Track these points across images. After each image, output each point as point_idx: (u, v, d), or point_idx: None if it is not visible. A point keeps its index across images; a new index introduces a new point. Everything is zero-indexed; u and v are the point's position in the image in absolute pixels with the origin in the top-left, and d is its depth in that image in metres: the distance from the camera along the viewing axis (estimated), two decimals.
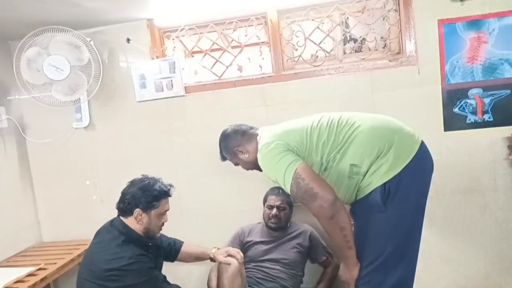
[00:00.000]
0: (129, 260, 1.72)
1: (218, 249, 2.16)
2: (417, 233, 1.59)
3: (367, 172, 1.53)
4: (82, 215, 2.73)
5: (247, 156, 1.83)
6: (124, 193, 1.90)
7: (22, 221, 2.69)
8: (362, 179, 1.54)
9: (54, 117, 2.64)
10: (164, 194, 1.89)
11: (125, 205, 1.86)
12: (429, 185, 1.60)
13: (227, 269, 2.06)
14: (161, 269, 2.01)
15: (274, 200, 2.36)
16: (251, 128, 1.88)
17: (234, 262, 2.06)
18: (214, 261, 2.13)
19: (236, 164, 1.94)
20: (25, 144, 2.76)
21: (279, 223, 2.33)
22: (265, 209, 2.40)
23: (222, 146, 1.92)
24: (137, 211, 1.83)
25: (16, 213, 2.65)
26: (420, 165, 1.55)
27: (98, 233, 1.93)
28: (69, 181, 2.75)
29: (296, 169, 1.51)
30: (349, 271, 1.61)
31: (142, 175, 1.96)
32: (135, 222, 1.85)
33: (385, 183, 1.49)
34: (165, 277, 1.89)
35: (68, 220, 2.78)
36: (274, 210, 2.33)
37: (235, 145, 1.86)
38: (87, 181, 2.72)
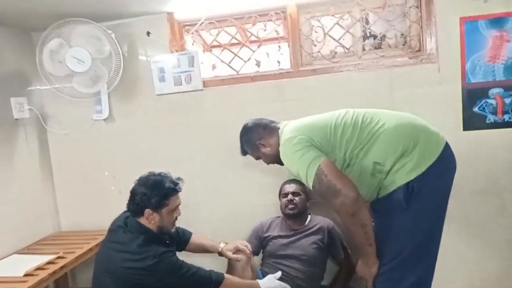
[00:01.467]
0: (154, 259, 1.72)
1: (226, 243, 2.17)
2: (438, 233, 1.59)
3: (390, 170, 1.53)
4: (99, 205, 2.78)
5: (269, 149, 1.84)
6: (133, 193, 1.87)
7: (41, 209, 2.75)
8: (385, 177, 1.54)
9: (75, 109, 2.69)
10: (173, 191, 1.85)
11: (135, 207, 1.84)
12: (451, 185, 1.59)
13: (236, 265, 2.09)
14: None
15: (288, 188, 2.37)
16: (272, 122, 1.89)
17: (242, 258, 2.09)
18: (222, 255, 2.15)
19: (258, 158, 1.94)
20: (45, 135, 2.81)
21: (295, 209, 2.32)
22: (281, 199, 2.40)
23: (244, 140, 1.93)
24: (148, 211, 1.81)
25: (36, 202, 2.71)
26: (444, 165, 1.54)
27: (113, 231, 1.91)
28: (88, 171, 2.80)
29: (320, 164, 1.51)
30: (368, 268, 1.62)
31: (149, 172, 1.92)
32: (148, 222, 1.84)
33: (408, 182, 1.49)
34: None
35: (86, 210, 2.83)
36: (289, 196, 2.33)
37: (257, 138, 1.87)
38: (106, 172, 2.76)
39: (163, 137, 2.67)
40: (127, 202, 1.90)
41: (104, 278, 1.80)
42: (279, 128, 1.82)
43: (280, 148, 1.69)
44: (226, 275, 1.90)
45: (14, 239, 2.49)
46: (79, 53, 2.34)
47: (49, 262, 2.20)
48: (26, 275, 2.05)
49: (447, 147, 1.57)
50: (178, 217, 1.95)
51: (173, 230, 1.95)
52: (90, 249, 2.44)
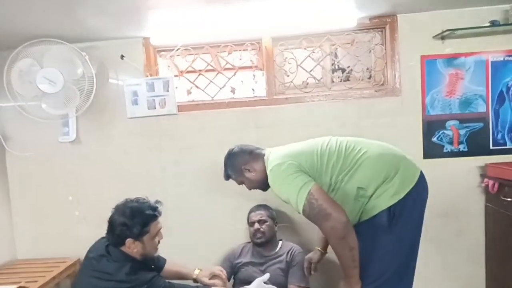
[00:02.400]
0: (144, 286, 1.69)
1: (200, 270, 2.14)
2: (416, 251, 1.70)
3: (372, 195, 1.63)
4: (61, 232, 2.65)
5: (253, 174, 1.89)
6: (111, 223, 1.80)
7: None
8: (367, 201, 1.64)
9: (39, 130, 2.58)
10: (153, 217, 1.81)
11: (116, 238, 1.78)
12: (425, 208, 1.73)
13: None
14: None
15: (254, 215, 2.40)
16: (257, 148, 1.95)
17: (219, 284, 2.08)
18: (197, 282, 2.12)
19: (241, 183, 1.98)
20: (4, 156, 2.66)
21: (264, 237, 2.35)
22: (249, 228, 2.43)
23: (228, 164, 1.96)
24: (129, 241, 1.76)
25: None
26: (420, 190, 1.68)
27: (93, 259, 1.80)
28: (50, 196, 2.67)
29: (310, 189, 1.57)
30: None
31: (126, 199, 1.85)
32: (130, 251, 1.78)
33: (390, 207, 1.60)
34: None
35: (46, 236, 2.68)
36: (256, 225, 2.36)
37: (242, 163, 1.91)
38: (70, 197, 2.65)
39: (133, 160, 2.62)
40: (106, 232, 1.82)
41: None
42: (264, 155, 1.88)
43: (269, 174, 1.74)
44: None
45: None
46: (51, 74, 2.28)
47: None
48: None
49: (422, 174, 1.71)
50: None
51: (156, 254, 1.91)
52: (53, 278, 2.31)
